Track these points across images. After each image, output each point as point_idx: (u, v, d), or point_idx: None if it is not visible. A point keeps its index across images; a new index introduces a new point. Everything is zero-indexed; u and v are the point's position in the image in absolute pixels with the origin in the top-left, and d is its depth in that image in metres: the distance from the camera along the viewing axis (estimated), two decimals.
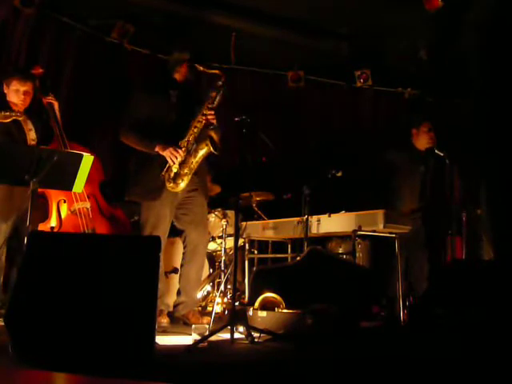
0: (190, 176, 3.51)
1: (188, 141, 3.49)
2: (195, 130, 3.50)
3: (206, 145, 3.47)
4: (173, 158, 3.43)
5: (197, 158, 3.51)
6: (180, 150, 3.44)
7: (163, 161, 3.45)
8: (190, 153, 3.50)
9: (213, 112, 3.51)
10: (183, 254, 3.72)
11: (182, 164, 3.47)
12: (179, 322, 3.66)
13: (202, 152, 3.50)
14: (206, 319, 3.60)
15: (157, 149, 3.45)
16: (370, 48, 5.66)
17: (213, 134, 3.51)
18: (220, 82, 3.51)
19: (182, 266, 3.72)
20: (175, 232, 3.89)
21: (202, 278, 4.72)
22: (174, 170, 3.45)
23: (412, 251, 4.27)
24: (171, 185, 3.47)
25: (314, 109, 6.28)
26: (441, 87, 5.67)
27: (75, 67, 5.09)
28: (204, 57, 4.64)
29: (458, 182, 5.09)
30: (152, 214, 3.53)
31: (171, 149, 3.43)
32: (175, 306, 3.69)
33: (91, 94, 5.18)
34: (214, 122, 3.52)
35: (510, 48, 4.82)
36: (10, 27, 4.67)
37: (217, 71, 3.56)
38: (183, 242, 3.73)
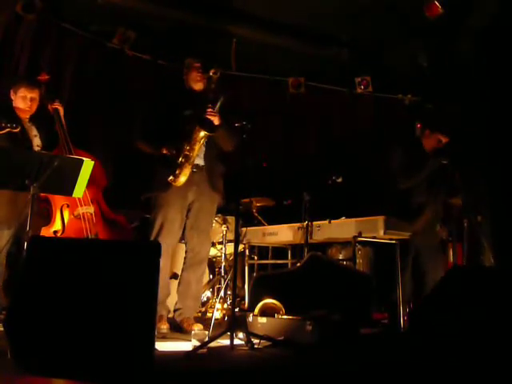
0: (188, 166, 3.44)
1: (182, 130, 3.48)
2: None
3: (199, 130, 3.42)
4: (170, 150, 3.43)
5: (192, 145, 3.44)
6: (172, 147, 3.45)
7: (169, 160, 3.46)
8: (184, 140, 3.45)
9: (210, 110, 3.45)
10: (184, 258, 3.69)
11: (177, 153, 3.44)
12: (178, 328, 3.61)
13: (197, 137, 3.44)
14: (196, 326, 3.54)
15: (162, 151, 3.48)
16: (371, 55, 5.67)
17: (208, 117, 3.44)
18: (213, 75, 3.45)
19: (182, 270, 3.69)
20: None
21: (202, 284, 4.72)
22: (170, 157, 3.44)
23: (426, 255, 4.19)
24: (171, 178, 3.42)
25: (314, 115, 6.29)
26: (441, 93, 5.68)
27: (76, 73, 5.11)
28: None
29: (459, 188, 5.09)
30: (159, 216, 3.50)
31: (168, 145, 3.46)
32: (175, 310, 3.67)
33: (92, 99, 5.19)
34: (215, 120, 3.45)
35: (510, 53, 4.84)
36: (12, 33, 4.69)
37: (212, 71, 3.48)
38: (186, 246, 3.70)
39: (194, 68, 3.62)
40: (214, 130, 3.43)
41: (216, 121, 3.46)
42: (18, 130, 3.60)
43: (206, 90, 3.61)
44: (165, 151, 3.46)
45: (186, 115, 3.55)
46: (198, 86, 3.64)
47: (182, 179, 3.44)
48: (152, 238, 3.47)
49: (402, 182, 4.13)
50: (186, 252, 3.69)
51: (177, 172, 3.42)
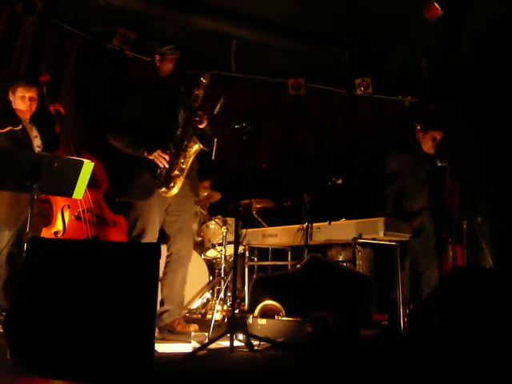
0: (182, 178, 3.42)
1: (177, 141, 3.43)
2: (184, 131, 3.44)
3: (195, 142, 3.39)
4: (161, 160, 3.37)
5: (186, 158, 3.42)
6: (167, 152, 3.38)
7: (153, 164, 3.40)
8: (179, 152, 3.41)
9: (201, 113, 3.42)
10: (166, 262, 3.61)
11: (171, 165, 3.39)
12: (164, 331, 3.53)
13: (191, 150, 3.42)
14: (192, 327, 3.52)
15: (145, 155, 3.41)
16: (371, 56, 5.68)
17: (205, 130, 3.42)
18: (203, 80, 3.40)
19: (164, 274, 3.59)
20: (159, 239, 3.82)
21: (202, 286, 4.71)
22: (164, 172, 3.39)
23: (422, 255, 4.20)
24: (163, 189, 3.39)
25: (314, 116, 6.29)
26: (441, 95, 5.68)
27: (76, 74, 5.11)
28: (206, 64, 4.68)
29: (459, 190, 5.09)
30: (140, 218, 3.46)
31: (158, 151, 3.37)
32: (159, 315, 3.54)
33: (92, 100, 5.19)
34: (202, 125, 3.43)
35: (509, 55, 4.85)
36: (12, 34, 4.69)
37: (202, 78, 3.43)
38: (167, 250, 3.63)
39: (168, 54, 3.56)
40: (211, 145, 3.43)
41: (203, 124, 3.44)
42: (19, 127, 3.59)
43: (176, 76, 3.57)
44: (155, 159, 3.38)
45: (172, 119, 3.51)
46: (168, 68, 3.56)
47: (175, 191, 3.43)
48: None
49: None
50: (169, 255, 3.61)
51: (171, 185, 3.40)
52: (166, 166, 3.38)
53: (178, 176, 3.42)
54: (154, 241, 3.51)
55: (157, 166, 3.40)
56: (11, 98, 3.77)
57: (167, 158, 3.38)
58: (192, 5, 5.10)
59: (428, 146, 4.29)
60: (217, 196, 5.42)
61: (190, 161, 3.46)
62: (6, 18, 4.66)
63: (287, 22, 5.32)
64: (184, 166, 3.44)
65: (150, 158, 3.40)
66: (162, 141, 3.43)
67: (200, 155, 3.62)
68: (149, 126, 3.48)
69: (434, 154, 4.28)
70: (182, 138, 3.44)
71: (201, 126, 3.44)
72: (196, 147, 3.42)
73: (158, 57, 3.60)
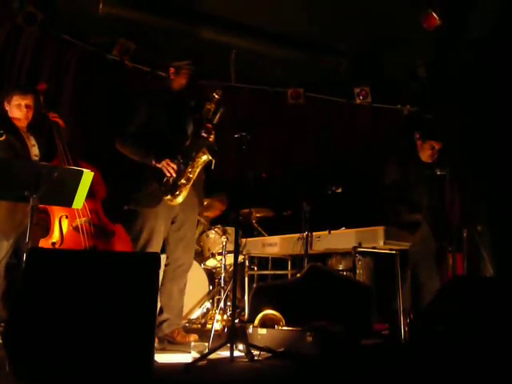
0: (188, 187, 3.44)
1: (185, 151, 3.45)
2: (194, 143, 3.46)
3: (204, 153, 3.40)
4: (169, 169, 3.39)
5: (194, 168, 3.45)
6: (175, 161, 3.40)
7: (161, 172, 3.42)
8: (187, 162, 3.44)
9: (210, 127, 3.45)
10: (164, 271, 3.60)
11: (178, 173, 3.41)
12: (163, 342, 3.51)
13: (200, 161, 3.44)
14: (192, 337, 3.51)
15: (153, 163, 3.43)
16: (370, 65, 5.70)
17: (211, 141, 3.46)
18: (215, 95, 3.45)
19: (162, 284, 3.55)
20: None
21: (202, 295, 4.70)
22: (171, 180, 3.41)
23: (422, 265, 4.18)
24: (169, 197, 3.41)
25: (313, 125, 6.31)
26: (440, 103, 5.70)
27: (76, 84, 5.12)
28: (204, 74, 4.70)
29: (459, 198, 5.09)
30: (146, 226, 3.47)
31: (167, 160, 3.39)
32: (158, 324, 3.51)
33: (92, 111, 5.20)
34: (211, 139, 3.46)
35: (508, 64, 4.86)
36: (13, 45, 4.71)
37: (213, 84, 3.52)
38: (166, 259, 3.62)
39: (183, 69, 3.60)
40: (217, 156, 3.44)
41: (211, 138, 3.47)
42: (3, 138, 3.57)
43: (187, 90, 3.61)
44: (162, 168, 3.40)
45: (180, 130, 3.54)
46: (182, 82, 3.61)
47: (180, 199, 3.45)
48: (138, 250, 3.44)
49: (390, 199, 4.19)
50: (167, 264, 3.61)
51: (177, 193, 3.42)
52: (174, 175, 3.40)
53: (184, 185, 3.44)
54: (159, 250, 3.51)
55: (164, 174, 3.42)
56: (7, 108, 3.76)
57: (175, 167, 3.40)
58: (191, 15, 5.13)
59: (426, 155, 4.29)
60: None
61: (198, 171, 3.48)
62: (7, 29, 4.68)
63: (286, 31, 5.34)
64: (191, 176, 3.45)
65: (158, 166, 3.42)
66: (169, 151, 3.45)
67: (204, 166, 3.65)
68: (157, 135, 3.50)
69: (432, 162, 4.28)
70: (190, 148, 3.46)
71: (210, 140, 3.47)
72: (205, 158, 3.43)
73: (172, 70, 3.64)
